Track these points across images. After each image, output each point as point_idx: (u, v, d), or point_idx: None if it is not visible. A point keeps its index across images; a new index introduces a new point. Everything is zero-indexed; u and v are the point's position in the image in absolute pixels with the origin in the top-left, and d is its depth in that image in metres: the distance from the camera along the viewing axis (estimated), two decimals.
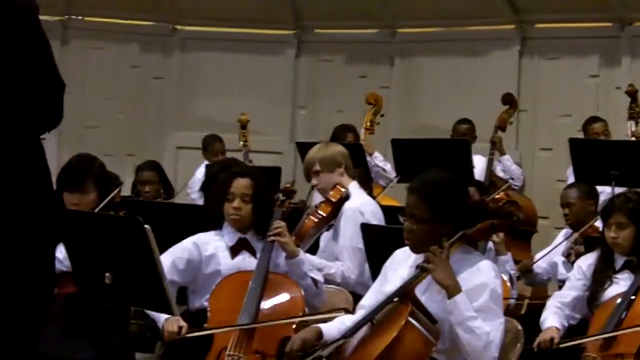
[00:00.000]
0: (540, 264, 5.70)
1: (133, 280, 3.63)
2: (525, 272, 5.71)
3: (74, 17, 10.26)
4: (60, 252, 4.06)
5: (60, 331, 4.10)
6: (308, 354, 3.64)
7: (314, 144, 5.52)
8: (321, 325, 3.78)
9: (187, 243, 4.30)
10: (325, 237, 5.33)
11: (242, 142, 8.54)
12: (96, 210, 4.36)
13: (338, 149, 5.32)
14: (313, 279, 4.24)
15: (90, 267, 3.74)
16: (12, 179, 2.82)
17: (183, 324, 3.92)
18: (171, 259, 4.20)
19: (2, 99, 2.75)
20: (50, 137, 8.90)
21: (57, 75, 2.89)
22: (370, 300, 3.82)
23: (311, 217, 5.09)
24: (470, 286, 3.58)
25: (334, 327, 3.76)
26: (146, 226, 3.47)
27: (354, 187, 5.22)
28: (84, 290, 3.88)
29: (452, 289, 3.53)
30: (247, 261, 4.28)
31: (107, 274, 3.62)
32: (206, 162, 8.02)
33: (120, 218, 3.96)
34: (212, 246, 4.30)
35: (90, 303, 3.92)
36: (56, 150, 8.98)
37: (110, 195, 4.54)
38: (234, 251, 4.31)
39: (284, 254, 4.27)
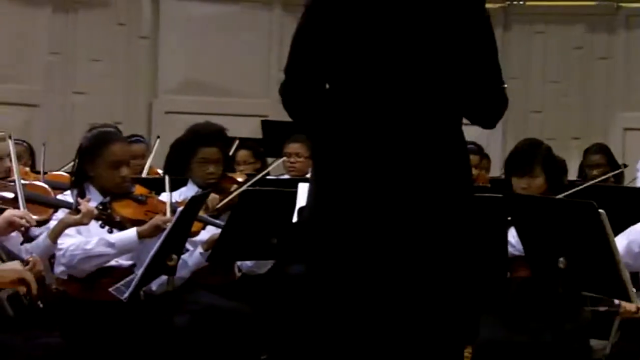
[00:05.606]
0: None
1: (587, 265, 3.55)
2: None
3: (515, 2, 10.31)
4: (513, 236, 4.10)
5: (518, 312, 4.15)
6: None
7: None
8: None
9: None
10: None
11: None
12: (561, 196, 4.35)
13: None
14: None
15: (543, 251, 3.72)
16: (459, 167, 2.89)
17: None
18: (626, 241, 4.06)
19: (444, 85, 2.83)
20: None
21: (499, 66, 2.92)
22: None
23: None
24: None
25: None
26: (601, 211, 3.39)
27: None
28: (537, 275, 3.87)
29: None
30: None
31: (560, 259, 3.59)
32: None
33: (574, 202, 3.89)
34: None
35: (544, 287, 3.91)
36: (501, 136, 9.12)
37: (592, 182, 4.47)
38: None
39: None
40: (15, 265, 3.24)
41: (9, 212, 3.67)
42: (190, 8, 9.71)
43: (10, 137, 4.30)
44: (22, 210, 3.73)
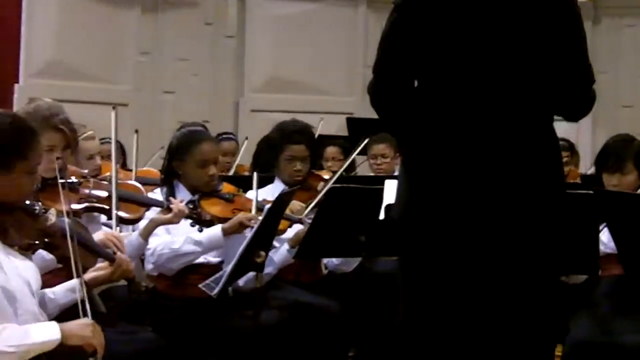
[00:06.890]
0: None
1: None
2: None
3: None
4: (604, 233, 4.03)
5: (610, 311, 4.09)
6: None
7: None
8: None
9: None
10: None
11: None
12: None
13: None
14: None
15: (636, 249, 3.65)
16: (549, 163, 2.87)
17: None
18: None
19: (535, 81, 2.82)
20: (584, 119, 8.86)
21: (589, 62, 2.90)
22: None
23: None
24: None
25: None
26: None
27: None
28: (630, 273, 3.81)
29: None
30: None
31: None
32: None
33: None
34: None
35: (636, 286, 3.85)
36: (591, 132, 8.97)
37: None
38: None
39: None
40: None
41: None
42: (275, 7, 9.78)
43: (115, 107, 4.36)
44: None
